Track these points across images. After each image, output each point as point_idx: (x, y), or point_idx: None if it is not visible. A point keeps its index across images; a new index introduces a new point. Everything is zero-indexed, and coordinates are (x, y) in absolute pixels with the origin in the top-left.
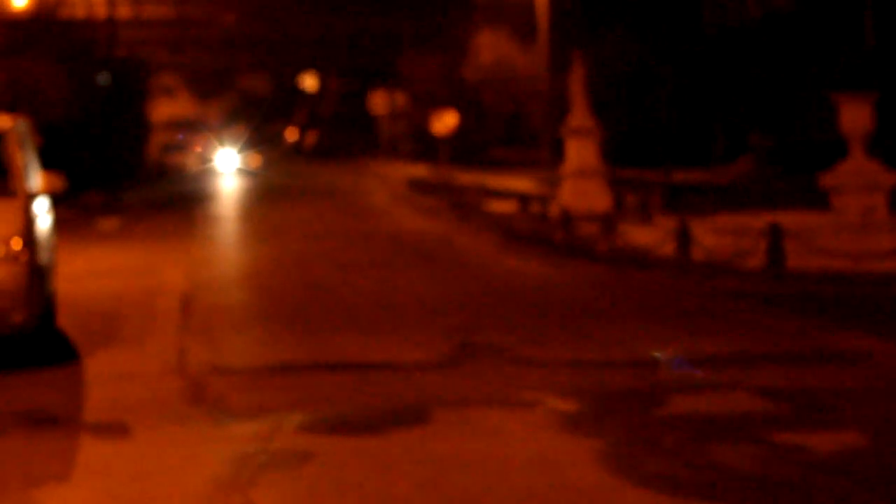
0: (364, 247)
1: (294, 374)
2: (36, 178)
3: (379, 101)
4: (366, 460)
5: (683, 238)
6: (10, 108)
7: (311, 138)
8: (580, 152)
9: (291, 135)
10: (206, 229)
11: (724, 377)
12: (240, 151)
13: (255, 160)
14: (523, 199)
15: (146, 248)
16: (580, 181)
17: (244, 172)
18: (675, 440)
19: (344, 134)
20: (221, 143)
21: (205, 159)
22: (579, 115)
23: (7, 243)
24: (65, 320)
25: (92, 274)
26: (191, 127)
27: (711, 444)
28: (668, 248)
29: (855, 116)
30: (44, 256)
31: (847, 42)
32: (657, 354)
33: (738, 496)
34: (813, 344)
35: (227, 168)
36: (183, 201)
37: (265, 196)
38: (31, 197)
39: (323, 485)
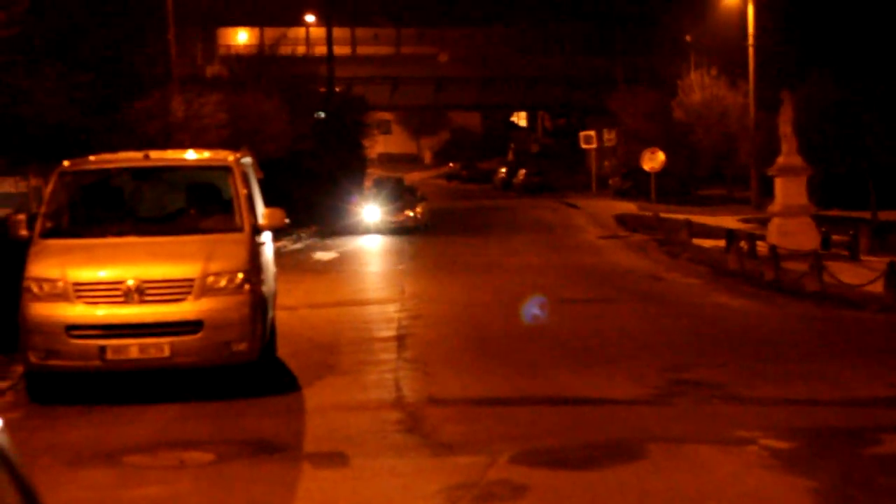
0: (574, 282)
1: (508, 407)
2: (259, 213)
3: (589, 138)
4: (581, 494)
5: (892, 277)
6: (234, 144)
7: (521, 174)
8: (788, 191)
9: (502, 171)
10: (418, 263)
11: None
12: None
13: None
14: (731, 236)
15: (362, 281)
16: (788, 219)
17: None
18: (890, 481)
19: (553, 170)
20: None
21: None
22: (788, 154)
23: (232, 276)
24: (285, 350)
25: (310, 305)
26: (403, 162)
27: None
28: (877, 287)
29: None
30: (266, 289)
31: None
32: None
33: None
34: None
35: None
36: (396, 235)
37: (476, 230)
38: (254, 231)
39: None
